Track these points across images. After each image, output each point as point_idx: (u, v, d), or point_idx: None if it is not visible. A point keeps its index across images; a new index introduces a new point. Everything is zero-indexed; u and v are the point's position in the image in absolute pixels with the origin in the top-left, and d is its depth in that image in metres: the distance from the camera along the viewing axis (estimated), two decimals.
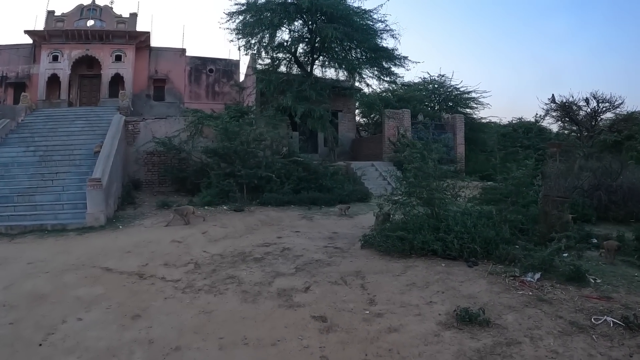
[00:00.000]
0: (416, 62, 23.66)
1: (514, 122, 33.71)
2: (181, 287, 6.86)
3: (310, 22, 21.94)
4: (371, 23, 22.39)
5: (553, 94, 33.11)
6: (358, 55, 22.90)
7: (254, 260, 8.21)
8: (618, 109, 29.90)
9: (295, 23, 22.39)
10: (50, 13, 30.73)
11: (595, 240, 9.22)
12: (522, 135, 22.20)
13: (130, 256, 9.03)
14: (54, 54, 29.44)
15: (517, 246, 7.85)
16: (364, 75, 23.47)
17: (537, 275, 6.63)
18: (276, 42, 22.04)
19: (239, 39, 22.38)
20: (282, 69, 23.59)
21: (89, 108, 26.70)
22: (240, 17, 22.21)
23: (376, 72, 23.21)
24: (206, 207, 14.63)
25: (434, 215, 8.56)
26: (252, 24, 21.38)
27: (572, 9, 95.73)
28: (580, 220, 10.65)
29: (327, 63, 23.99)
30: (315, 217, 13.34)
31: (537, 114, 31.88)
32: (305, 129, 24.37)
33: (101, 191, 13.15)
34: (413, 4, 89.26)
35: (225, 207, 14.56)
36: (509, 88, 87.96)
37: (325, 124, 21.81)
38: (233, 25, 22.46)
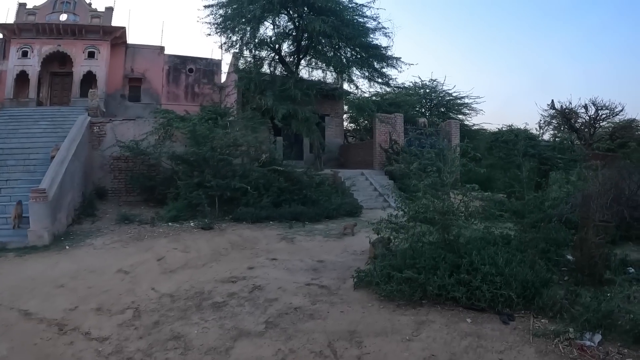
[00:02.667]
0: (409, 64, 21.64)
1: (503, 129, 32.51)
2: (105, 353, 4.99)
3: (296, 16, 19.96)
4: (362, 21, 20.49)
5: (553, 100, 31.80)
6: (347, 54, 20.86)
7: (212, 307, 6.26)
8: (618, 116, 28.94)
9: (280, 18, 20.45)
10: (22, 5, 28.91)
11: (632, 270, 7.39)
12: (526, 142, 20.73)
13: (61, 293, 7.22)
14: (23, 49, 27.63)
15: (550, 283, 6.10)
16: (353, 77, 21.43)
17: (598, 337, 4.81)
18: (258, 39, 20.04)
19: (218, 33, 20.37)
20: (266, 68, 21.56)
21: (56, 108, 24.81)
22: (221, 11, 20.23)
23: (367, 74, 21.22)
24: (170, 224, 12.76)
25: (451, 246, 6.64)
26: (233, 16, 19.37)
27: (565, 13, 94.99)
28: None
29: (314, 63, 22.07)
30: (297, 237, 11.34)
31: (540, 120, 30.47)
32: (290, 134, 22.49)
33: (46, 204, 11.34)
34: (399, 7, 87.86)
35: (192, 224, 12.65)
36: (498, 94, 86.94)
37: (311, 127, 19.67)
38: (212, 20, 20.48)
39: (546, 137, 30.66)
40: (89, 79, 27.45)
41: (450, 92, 32.17)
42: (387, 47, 20.83)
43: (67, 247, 10.67)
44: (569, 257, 7.57)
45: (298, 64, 21.16)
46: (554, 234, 7.77)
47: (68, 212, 13.44)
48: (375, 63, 21.02)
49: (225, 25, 20.12)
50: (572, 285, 6.21)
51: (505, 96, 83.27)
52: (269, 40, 20.22)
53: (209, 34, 20.34)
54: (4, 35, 28.03)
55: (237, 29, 19.99)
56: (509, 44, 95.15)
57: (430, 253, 6.45)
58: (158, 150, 15.31)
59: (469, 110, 32.63)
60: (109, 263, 9.03)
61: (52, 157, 14.44)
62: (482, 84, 71.46)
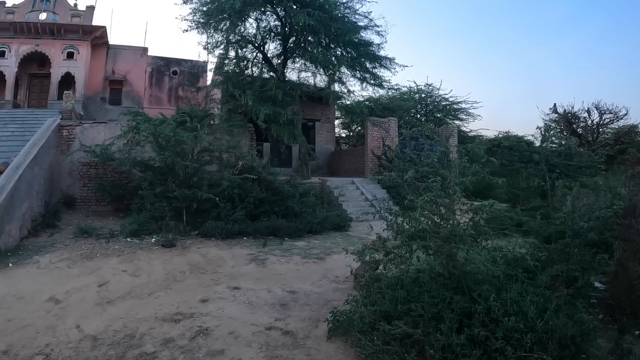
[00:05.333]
0: (404, 66, 20.12)
1: (500, 135, 31.31)
2: None
3: (281, 11, 18.43)
4: (353, 19, 18.98)
5: (555, 104, 30.66)
6: (337, 53, 19.24)
7: None
8: (622, 120, 27.78)
9: (265, 15, 18.95)
10: (1, 4, 27.79)
11: None
12: (530, 149, 19.36)
13: None
14: (0, 49, 26.28)
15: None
16: (344, 80, 19.86)
17: None
18: (240, 35, 18.52)
19: (199, 32, 18.87)
20: (251, 71, 20.01)
21: (29, 110, 23.43)
22: (204, 9, 18.71)
23: (358, 74, 19.66)
24: (129, 239, 11.21)
25: (458, 283, 4.91)
26: (213, 11, 17.85)
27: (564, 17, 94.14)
28: None
29: (302, 65, 20.57)
30: (269, 258, 9.67)
31: (544, 126, 29.20)
32: (278, 140, 20.99)
33: None
34: (393, 12, 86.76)
35: (154, 240, 11.04)
36: (491, 100, 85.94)
37: (295, 132, 18.05)
38: (193, 17, 18.98)
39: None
40: (68, 81, 26.23)
41: (446, 96, 30.78)
42: (380, 44, 19.33)
43: (10, 265, 9.17)
44: (597, 284, 6.03)
45: (284, 64, 19.62)
46: (580, 255, 6.07)
47: (22, 223, 11.97)
48: (367, 63, 19.50)
49: (206, 22, 18.66)
50: (616, 332, 4.69)
51: (499, 103, 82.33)
52: (252, 38, 18.73)
53: (186, 30, 18.81)
54: None
55: (219, 27, 18.55)
56: (503, 51, 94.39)
57: (431, 294, 4.75)
58: (127, 156, 13.69)
59: (465, 115, 31.28)
60: (43, 288, 7.53)
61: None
62: (476, 91, 70.31)
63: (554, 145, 26.57)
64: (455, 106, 30.97)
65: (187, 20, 18.86)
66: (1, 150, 15.35)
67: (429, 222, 5.07)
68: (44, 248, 10.70)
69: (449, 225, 5.07)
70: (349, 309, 5.45)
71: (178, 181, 12.31)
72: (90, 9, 28.00)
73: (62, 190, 15.99)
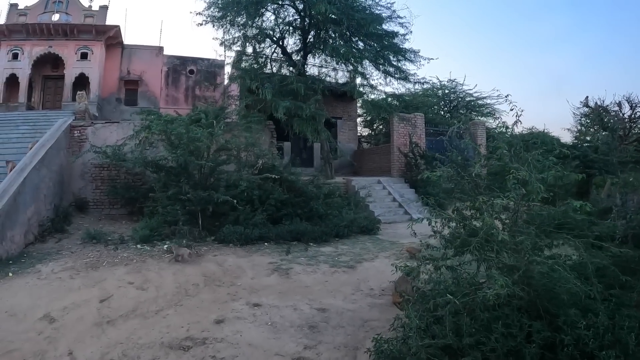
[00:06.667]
0: (429, 59, 18.81)
1: (523, 132, 30.00)
2: None
3: (298, 2, 17.38)
4: (376, 11, 17.85)
5: (587, 97, 29.19)
6: (359, 46, 18.08)
7: None
8: None
9: (284, 8, 17.96)
10: (13, 6, 27.55)
11: None
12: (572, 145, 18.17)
13: None
14: (13, 51, 26.04)
15: None
16: (367, 75, 18.70)
17: None
18: (257, 28, 17.52)
19: (213, 24, 17.93)
20: (271, 67, 19.02)
21: (42, 112, 22.83)
22: (220, 2, 17.79)
23: (382, 68, 18.47)
24: (139, 246, 10.25)
25: (533, 306, 3.83)
26: (228, 4, 16.91)
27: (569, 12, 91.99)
28: None
29: (323, 61, 19.48)
30: (294, 267, 8.56)
31: (581, 124, 27.96)
32: (299, 139, 19.97)
33: None
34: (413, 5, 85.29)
35: (166, 246, 10.03)
36: (515, 96, 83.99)
37: (318, 127, 16.83)
38: (209, 12, 18.07)
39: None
40: (82, 82, 25.58)
41: (470, 92, 29.49)
42: (405, 34, 18.13)
43: (10, 275, 8.31)
44: None
45: (305, 58, 18.57)
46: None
47: (28, 228, 11.14)
48: (390, 56, 18.34)
49: (223, 16, 17.74)
50: None
51: (520, 98, 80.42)
52: (270, 31, 17.72)
53: (200, 24, 17.89)
54: None
55: (235, 21, 17.61)
56: (524, 46, 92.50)
57: (504, 322, 3.61)
58: (138, 156, 12.75)
59: (490, 111, 29.88)
60: (39, 303, 6.63)
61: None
62: (498, 86, 68.79)
63: (587, 140, 25.31)
64: (479, 102, 29.67)
65: (201, 14, 17.97)
66: (11, 152, 14.59)
67: (503, 230, 3.93)
68: (48, 255, 9.86)
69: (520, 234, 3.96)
70: (395, 336, 4.33)
71: (192, 182, 11.34)
72: (104, 8, 27.38)
73: (73, 193, 15.21)
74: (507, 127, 4.89)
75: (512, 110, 4.67)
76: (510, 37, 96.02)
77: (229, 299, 6.62)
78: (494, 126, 29.00)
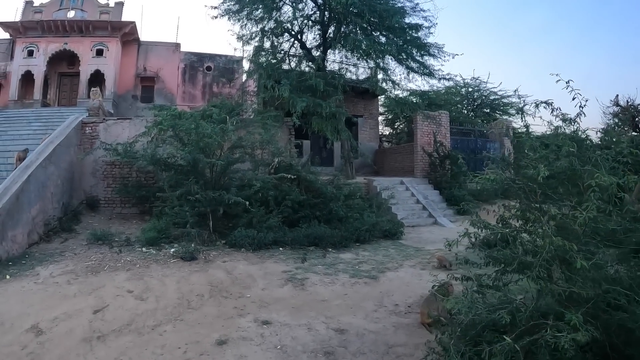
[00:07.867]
0: (454, 54, 17.72)
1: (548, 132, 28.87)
2: None
3: None
4: (399, 3, 16.96)
5: (617, 95, 27.96)
6: (381, 40, 17.15)
7: None
8: None
9: (301, 1, 17.24)
10: (29, 3, 27.59)
11: None
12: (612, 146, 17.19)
13: None
14: (29, 48, 25.89)
15: None
16: (389, 71, 17.77)
17: None
18: (275, 21, 16.77)
19: (229, 17, 17.28)
20: (288, 61, 18.25)
21: (56, 109, 22.56)
22: None
23: (404, 63, 17.53)
24: (144, 249, 9.56)
25: (603, 343, 3.00)
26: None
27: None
28: None
29: (343, 57, 18.62)
30: (310, 277, 7.65)
31: (608, 123, 26.84)
32: (319, 137, 19.23)
33: None
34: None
35: (173, 250, 9.32)
36: (535, 95, 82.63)
37: (338, 126, 15.87)
38: (224, 6, 17.43)
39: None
40: (98, 79, 25.28)
41: (495, 90, 28.46)
42: (429, 27, 17.18)
43: (7, 277, 7.80)
44: None
45: (325, 53, 17.77)
46: None
47: (32, 228, 10.65)
48: (414, 51, 17.41)
49: (240, 9, 17.08)
50: None
51: (543, 97, 78.85)
52: (288, 25, 16.95)
53: (215, 17, 17.26)
54: (10, 34, 26.47)
55: (252, 15, 16.94)
56: (551, 43, 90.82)
57: None
58: (147, 154, 12.09)
59: (516, 110, 28.77)
60: (29, 311, 6.03)
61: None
62: (519, 84, 67.33)
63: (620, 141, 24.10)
64: (504, 100, 28.65)
65: (217, 8, 17.34)
66: (22, 148, 14.14)
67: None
68: (50, 257, 9.32)
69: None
70: None
71: (203, 182, 10.63)
72: (119, 5, 27.19)
73: (84, 191, 14.72)
74: (570, 120, 4.00)
75: (574, 99, 3.85)
76: (535, 34, 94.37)
77: (235, 314, 5.82)
78: (518, 126, 28.06)
